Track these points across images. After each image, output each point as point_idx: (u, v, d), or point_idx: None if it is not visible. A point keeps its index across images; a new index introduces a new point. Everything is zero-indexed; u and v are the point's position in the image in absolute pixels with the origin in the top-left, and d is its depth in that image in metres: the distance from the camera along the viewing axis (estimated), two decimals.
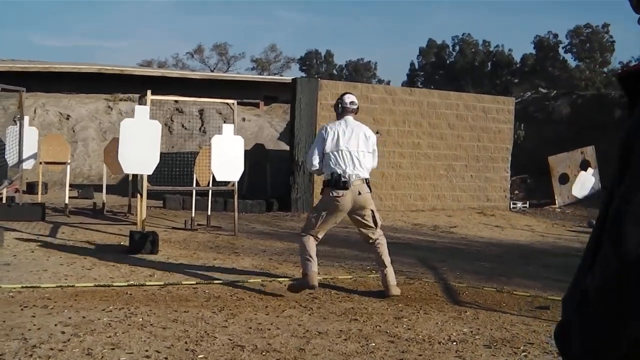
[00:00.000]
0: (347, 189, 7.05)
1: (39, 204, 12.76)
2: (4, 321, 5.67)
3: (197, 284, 7.56)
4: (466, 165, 18.08)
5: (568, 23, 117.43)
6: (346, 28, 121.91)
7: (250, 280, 7.86)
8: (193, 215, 12.02)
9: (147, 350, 5.07)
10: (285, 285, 7.62)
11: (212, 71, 64.48)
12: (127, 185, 14.10)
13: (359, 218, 7.34)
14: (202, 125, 24.72)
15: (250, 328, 5.82)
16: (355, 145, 7.21)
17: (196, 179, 12.14)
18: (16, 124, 12.38)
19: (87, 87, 25.28)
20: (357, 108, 7.55)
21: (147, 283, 7.48)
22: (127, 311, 6.19)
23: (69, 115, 23.88)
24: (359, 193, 7.15)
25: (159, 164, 9.71)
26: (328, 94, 15.97)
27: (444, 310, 6.92)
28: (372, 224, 7.34)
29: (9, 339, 5.19)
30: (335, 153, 7.14)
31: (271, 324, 5.98)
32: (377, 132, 16.58)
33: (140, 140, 9.23)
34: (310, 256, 7.18)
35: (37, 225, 11.58)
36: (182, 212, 14.27)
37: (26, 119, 12.41)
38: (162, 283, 7.50)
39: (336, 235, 12.22)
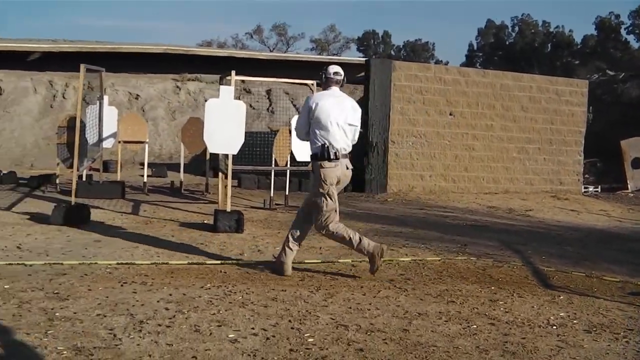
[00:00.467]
0: (338, 159, 6.87)
1: (118, 182, 12.94)
2: (107, 297, 5.75)
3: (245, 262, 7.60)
4: (539, 148, 17.84)
5: (630, 4, 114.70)
6: (404, 8, 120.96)
7: (340, 261, 7.85)
8: (272, 194, 12.06)
9: (253, 328, 5.08)
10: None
11: (271, 51, 64.67)
12: (199, 164, 14.22)
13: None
14: (270, 105, 24.81)
15: (350, 308, 5.80)
16: (343, 118, 6.99)
17: (275, 159, 12.15)
18: (95, 104, 12.52)
19: (153, 67, 25.56)
20: (343, 79, 7.19)
21: (240, 261, 7.54)
22: (225, 289, 6.23)
23: (138, 95, 24.18)
24: (347, 167, 7.00)
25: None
26: (401, 75, 15.89)
27: (537, 294, 6.81)
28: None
29: (115, 314, 5.26)
30: (324, 124, 6.91)
31: (370, 304, 5.95)
32: (450, 114, 16.53)
33: (225, 121, 9.26)
34: (355, 237, 7.02)
35: (118, 203, 11.76)
36: (257, 192, 14.38)
37: (106, 98, 12.53)
38: (254, 261, 7.54)
39: (415, 216, 12.22)
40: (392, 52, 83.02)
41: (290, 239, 7.10)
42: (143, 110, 23.59)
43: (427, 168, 16.24)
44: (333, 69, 7.13)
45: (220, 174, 10.80)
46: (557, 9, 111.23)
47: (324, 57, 35.82)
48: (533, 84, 17.84)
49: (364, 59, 29.07)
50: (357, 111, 7.18)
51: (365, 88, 15.57)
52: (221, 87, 9.86)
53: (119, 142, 13.27)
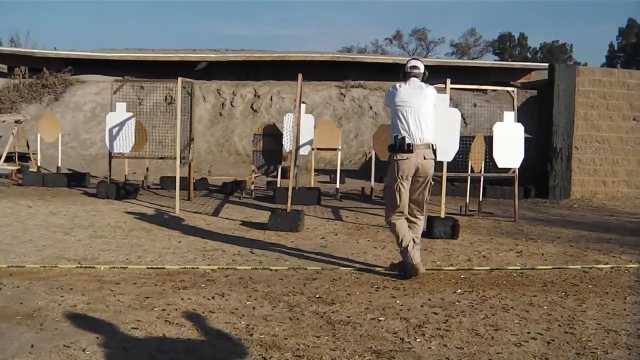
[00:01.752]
0: (411, 152, 6.86)
1: (314, 188, 13.38)
2: (370, 301, 6.04)
3: (521, 268, 7.73)
4: None
5: None
6: (540, 8, 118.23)
7: (570, 267, 7.91)
8: (467, 200, 12.21)
9: (529, 332, 5.25)
10: (607, 272, 7.63)
11: (410, 56, 64.54)
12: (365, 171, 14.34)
13: (415, 186, 7.07)
14: None
15: (608, 313, 5.88)
16: (422, 108, 7.01)
17: (471, 165, 12.28)
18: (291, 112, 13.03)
19: (317, 74, 26.10)
20: (424, 74, 7.28)
21: (475, 268, 7.75)
22: (477, 294, 6.43)
23: (304, 102, 24.73)
24: (424, 158, 6.95)
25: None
26: (585, 80, 15.71)
27: None
28: (424, 197, 7.15)
29: (388, 318, 5.53)
30: (400, 115, 6.98)
31: (623, 310, 6.02)
32: (633, 119, 16.19)
33: (439, 128, 9.46)
34: (405, 243, 7.00)
35: (317, 209, 12.16)
36: (436, 197, 14.52)
37: (303, 106, 12.98)
38: (488, 268, 7.72)
39: (611, 222, 12.08)
40: (529, 55, 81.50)
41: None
42: None
43: (609, 174, 15.97)
44: (411, 63, 7.34)
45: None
46: None
47: (496, 63, 35.50)
48: None
49: (529, 64, 28.70)
50: (434, 98, 7.27)
51: (549, 93, 15.46)
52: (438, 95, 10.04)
53: (312, 149, 13.68)
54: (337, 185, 13.85)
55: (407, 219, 7.16)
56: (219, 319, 5.31)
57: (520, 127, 11.19)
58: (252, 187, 13.93)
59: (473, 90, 10.20)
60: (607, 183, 15.95)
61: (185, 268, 7.12)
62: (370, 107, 24.08)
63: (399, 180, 6.92)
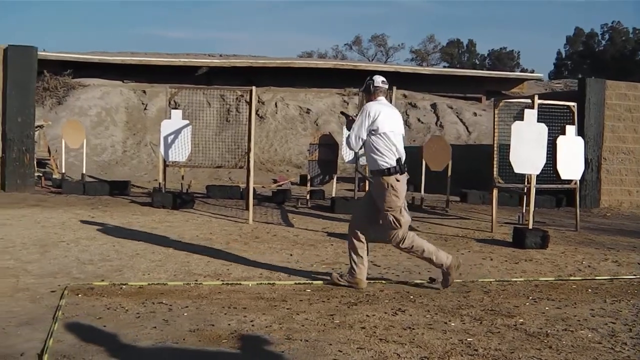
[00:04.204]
0: (404, 172, 6.76)
1: None
2: (543, 312, 6.29)
3: (612, 278, 8.05)
4: None
5: None
6: (488, 16, 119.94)
7: None
8: (523, 210, 12.55)
9: None
10: None
11: (370, 61, 65.05)
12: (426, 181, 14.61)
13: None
14: (437, 119, 25.28)
15: None
16: (400, 128, 6.94)
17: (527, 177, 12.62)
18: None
19: (317, 82, 26.32)
20: (387, 89, 7.19)
21: (597, 277, 8.03)
22: (626, 303, 6.76)
23: (308, 109, 24.96)
24: (408, 180, 6.90)
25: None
26: (612, 94, 16.30)
27: None
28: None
29: (576, 329, 5.77)
30: (389, 135, 6.73)
31: None
32: None
33: (528, 142, 9.82)
34: (434, 256, 6.93)
35: None
36: (481, 207, 14.89)
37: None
38: (608, 277, 8.04)
39: None
40: (476, 61, 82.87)
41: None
42: (317, 124, 24.37)
43: (634, 184, 16.56)
44: (380, 78, 7.04)
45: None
46: None
47: (492, 73, 35.88)
48: None
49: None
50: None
51: (580, 106, 15.91)
52: (526, 110, 10.34)
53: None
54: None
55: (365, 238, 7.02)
56: (427, 335, 5.45)
57: (580, 141, 11.61)
58: (307, 197, 14.05)
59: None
60: (632, 192, 16.52)
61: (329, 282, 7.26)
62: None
63: (403, 201, 6.79)
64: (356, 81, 26.26)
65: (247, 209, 12.70)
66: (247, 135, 12.59)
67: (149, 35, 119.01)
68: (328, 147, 13.82)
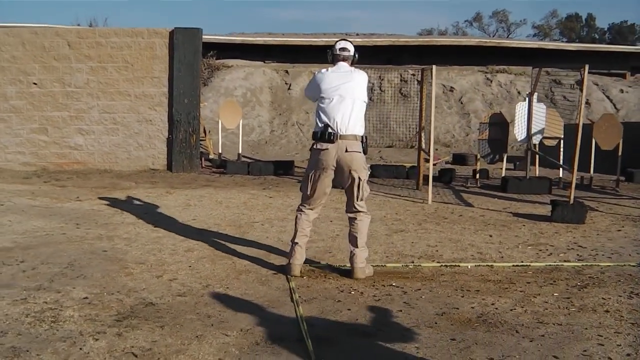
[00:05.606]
0: (332, 142, 6.30)
1: (543, 177, 13.32)
2: None
3: None
4: None
5: None
6: None
7: None
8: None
9: None
10: None
11: (492, 38, 63.81)
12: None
13: (343, 181, 6.50)
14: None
15: None
16: (346, 93, 6.41)
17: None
18: (525, 100, 13.01)
19: (459, 60, 25.98)
20: (353, 56, 6.66)
21: None
22: None
23: (452, 87, 24.66)
24: (346, 150, 6.31)
25: None
26: None
27: None
28: (354, 192, 6.48)
29: None
30: (325, 100, 6.43)
31: None
32: None
33: None
34: (297, 240, 6.59)
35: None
36: None
37: (535, 95, 12.90)
38: None
39: None
40: (596, 36, 79.99)
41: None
42: (461, 103, 24.05)
43: None
44: (339, 44, 6.69)
45: None
46: None
47: (638, 48, 34.66)
48: None
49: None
50: (364, 83, 6.62)
51: None
52: None
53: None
54: (560, 175, 13.79)
55: (349, 217, 6.69)
56: None
57: None
58: (477, 176, 13.86)
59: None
60: None
61: (549, 265, 7.16)
62: (519, 93, 23.84)
63: (314, 170, 6.47)
64: (499, 58, 25.95)
65: (418, 188, 12.70)
66: (418, 114, 12.50)
67: (263, 15, 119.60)
68: (498, 125, 13.58)
